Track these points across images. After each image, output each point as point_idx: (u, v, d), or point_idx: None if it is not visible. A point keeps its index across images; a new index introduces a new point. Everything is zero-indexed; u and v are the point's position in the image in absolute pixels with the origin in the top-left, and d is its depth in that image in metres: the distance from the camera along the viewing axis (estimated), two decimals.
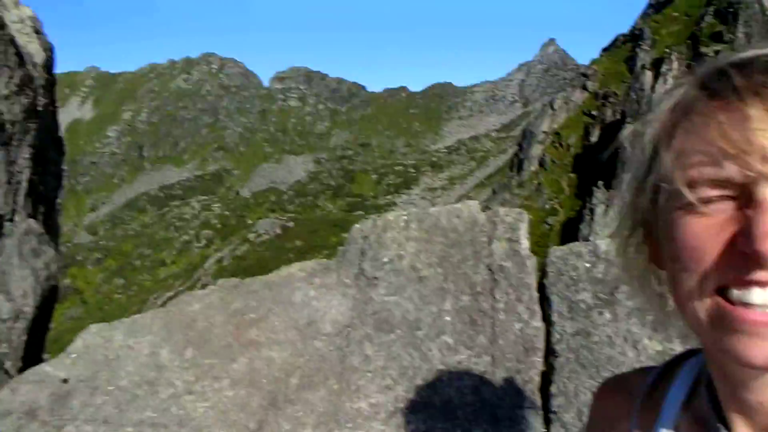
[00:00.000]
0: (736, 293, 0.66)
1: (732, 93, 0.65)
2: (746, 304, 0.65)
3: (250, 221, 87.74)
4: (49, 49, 4.26)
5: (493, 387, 2.30)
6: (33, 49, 4.05)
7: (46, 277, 3.55)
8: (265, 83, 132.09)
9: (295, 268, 2.93)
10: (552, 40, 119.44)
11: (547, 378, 2.35)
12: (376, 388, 2.38)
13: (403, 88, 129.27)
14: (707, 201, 0.66)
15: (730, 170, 0.64)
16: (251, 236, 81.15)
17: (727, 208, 0.66)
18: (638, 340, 2.33)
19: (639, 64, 43.47)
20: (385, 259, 2.76)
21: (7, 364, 3.19)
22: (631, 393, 0.95)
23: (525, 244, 2.73)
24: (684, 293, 0.70)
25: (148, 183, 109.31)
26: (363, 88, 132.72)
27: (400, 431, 2.28)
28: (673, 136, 0.70)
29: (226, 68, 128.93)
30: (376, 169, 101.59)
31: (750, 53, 0.69)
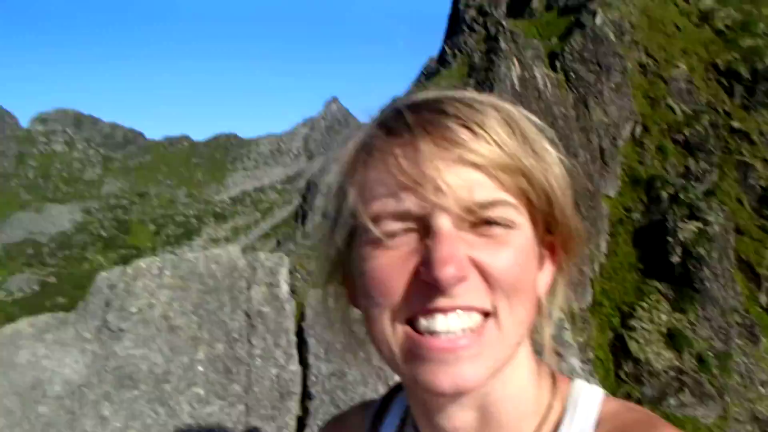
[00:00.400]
0: (423, 323, 0.67)
1: (405, 129, 0.68)
2: (432, 332, 0.66)
3: None
4: None
5: None
6: None
7: None
8: (24, 124, 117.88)
9: (24, 324, 2.55)
10: (335, 99, 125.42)
11: (302, 422, 2.31)
12: None
13: (186, 137, 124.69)
14: (392, 234, 0.67)
15: (408, 202, 0.66)
16: (1, 295, 70.52)
17: (410, 240, 0.67)
18: (390, 376, 2.42)
19: None
20: (134, 309, 2.53)
21: None
22: (353, 430, 0.95)
23: (285, 288, 2.71)
24: (377, 328, 0.70)
25: None
26: (141, 135, 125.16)
27: None
28: (356, 172, 0.72)
29: None
30: (154, 220, 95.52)
31: (421, 96, 0.74)
